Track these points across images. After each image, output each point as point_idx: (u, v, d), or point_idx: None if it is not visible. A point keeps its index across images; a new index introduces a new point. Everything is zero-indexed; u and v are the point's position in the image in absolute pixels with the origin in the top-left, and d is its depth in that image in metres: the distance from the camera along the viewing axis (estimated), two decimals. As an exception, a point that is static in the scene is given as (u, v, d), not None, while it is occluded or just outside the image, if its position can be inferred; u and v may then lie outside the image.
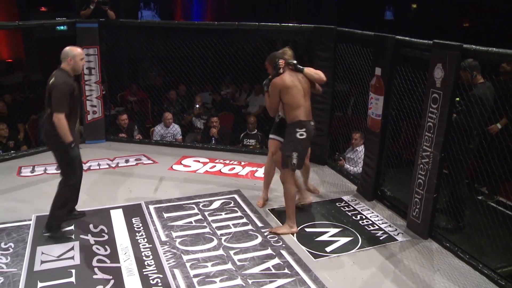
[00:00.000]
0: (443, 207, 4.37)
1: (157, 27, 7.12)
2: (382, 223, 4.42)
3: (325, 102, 5.60)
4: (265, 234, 4.13)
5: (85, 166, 5.64)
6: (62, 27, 10.73)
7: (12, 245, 3.91)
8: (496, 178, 4.04)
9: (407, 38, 4.35)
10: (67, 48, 3.93)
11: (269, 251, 3.86)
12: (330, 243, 4.02)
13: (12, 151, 6.10)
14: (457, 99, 4.07)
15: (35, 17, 10.96)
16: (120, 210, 4.55)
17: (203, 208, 4.61)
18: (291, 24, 5.99)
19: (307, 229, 4.25)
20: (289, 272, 3.58)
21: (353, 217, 4.52)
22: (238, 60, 7.00)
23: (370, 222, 4.44)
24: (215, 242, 3.98)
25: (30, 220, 4.31)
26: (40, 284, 3.41)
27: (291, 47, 4.47)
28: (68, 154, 3.87)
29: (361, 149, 5.56)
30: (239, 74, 7.25)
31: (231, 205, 4.70)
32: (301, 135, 4.03)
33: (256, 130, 6.78)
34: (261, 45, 7.02)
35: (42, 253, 3.80)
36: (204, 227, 4.25)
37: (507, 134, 4.30)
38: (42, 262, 3.69)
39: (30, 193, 4.93)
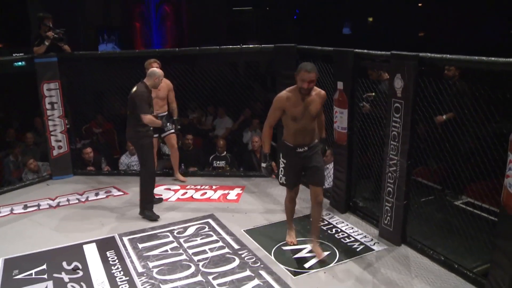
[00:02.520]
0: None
1: (119, 58, 7.08)
2: (357, 235, 4.46)
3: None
4: (244, 256, 4.10)
5: (54, 203, 5.54)
6: (20, 63, 10.53)
7: (-18, 291, 3.77)
8: (462, 178, 4.16)
9: (365, 51, 4.47)
10: (155, 69, 4.99)
11: (247, 272, 3.84)
12: (308, 259, 4.03)
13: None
14: (372, 94, 4.84)
15: (-8, 54, 10.76)
16: (94, 245, 4.44)
17: (177, 235, 4.56)
18: (251, 46, 6.06)
19: (284, 247, 4.25)
20: (270, 292, 3.56)
21: (329, 231, 4.55)
22: (202, 85, 7.02)
23: (346, 234, 4.47)
24: (193, 269, 3.93)
25: (-1, 263, 4.16)
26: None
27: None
28: (147, 144, 4.92)
29: (331, 166, 5.61)
30: (204, 99, 7.27)
31: (206, 229, 4.66)
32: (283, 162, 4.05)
33: (225, 152, 6.79)
34: (224, 69, 7.08)
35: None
36: (181, 254, 4.19)
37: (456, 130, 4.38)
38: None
39: (-3, 236, 4.77)
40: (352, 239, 4.37)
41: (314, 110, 3.81)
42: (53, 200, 5.64)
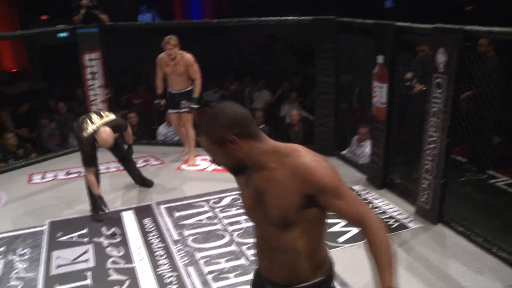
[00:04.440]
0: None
1: (158, 28, 7.13)
2: (393, 211, 4.42)
3: (329, 93, 5.60)
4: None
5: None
6: (63, 34, 10.77)
7: (28, 250, 3.96)
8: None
9: (407, 24, 4.34)
10: None
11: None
12: (341, 233, 4.03)
13: (22, 159, 6.16)
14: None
15: (36, 25, 11.00)
16: (131, 212, 4.58)
17: (213, 205, 4.64)
18: (290, 18, 5.98)
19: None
20: (303, 264, 3.59)
21: (364, 207, 4.52)
22: (240, 57, 7.01)
23: (381, 210, 4.44)
24: (227, 238, 4.00)
25: (44, 225, 4.36)
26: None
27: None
28: None
29: (365, 144, 5.55)
30: (242, 71, 7.26)
31: (241, 201, 4.71)
32: None
33: (263, 125, 6.79)
34: (262, 41, 7.03)
35: (58, 257, 3.85)
36: (216, 224, 4.27)
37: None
38: (58, 266, 3.74)
39: (42, 200, 4.97)
40: (388, 215, 4.34)
41: None
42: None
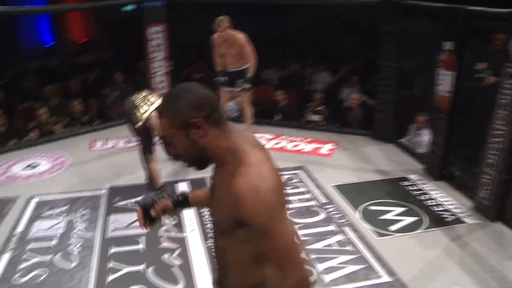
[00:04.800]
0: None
1: (222, 4, 7.16)
2: (449, 204, 4.29)
3: (391, 78, 5.46)
4: (330, 211, 4.13)
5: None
6: (130, 7, 11.04)
7: (88, 212, 4.17)
8: None
9: (480, 8, 4.10)
10: None
11: (332, 227, 3.87)
12: (394, 222, 3.97)
13: (86, 126, 6.43)
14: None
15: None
16: (186, 183, 4.70)
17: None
18: (357, -1, 5.84)
19: (371, 207, 4.21)
20: (352, 249, 3.58)
21: (419, 197, 4.42)
22: (302, 37, 6.93)
23: (437, 202, 4.32)
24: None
25: (103, 190, 4.55)
26: (112, 250, 3.62)
27: None
28: None
29: (423, 132, 5.39)
30: (304, 51, 7.18)
31: (295, 180, 4.73)
32: None
33: (322, 106, 6.73)
34: (326, 21, 6.90)
35: (114, 221, 4.02)
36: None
37: None
38: (114, 229, 3.91)
39: (102, 165, 5.19)
40: (443, 208, 4.22)
41: None
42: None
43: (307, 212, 4.11)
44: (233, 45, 5.40)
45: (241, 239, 1.48)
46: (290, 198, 4.35)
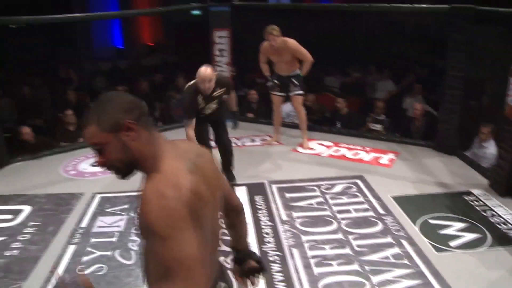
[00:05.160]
0: None
1: (287, 10, 7.20)
2: (516, 222, 4.10)
3: (457, 88, 5.28)
4: (387, 222, 4.06)
5: (214, 144, 5.99)
6: (196, 12, 11.37)
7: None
8: None
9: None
10: (201, 71, 4.37)
11: (389, 239, 3.80)
12: (454, 237, 3.84)
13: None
14: None
15: (174, 3, 11.70)
16: (244, 188, 4.77)
17: (324, 191, 4.66)
18: (425, 5, 5.68)
19: (431, 221, 4.10)
20: (409, 263, 3.49)
21: (483, 213, 4.25)
22: (366, 44, 6.86)
23: (502, 220, 4.14)
24: (334, 226, 4.01)
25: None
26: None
27: None
28: None
29: (488, 144, 5.18)
30: (367, 58, 7.10)
31: (353, 190, 4.68)
32: None
33: (383, 116, 6.62)
34: (390, 29, 6.79)
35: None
36: (325, 209, 4.29)
37: None
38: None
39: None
40: (509, 226, 4.04)
41: None
42: (211, 140, 6.11)
43: (364, 222, 4.06)
44: (285, 52, 5.43)
45: (150, 249, 1.40)
46: (347, 207, 4.32)
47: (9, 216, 4.32)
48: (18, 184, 5.00)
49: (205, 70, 4.33)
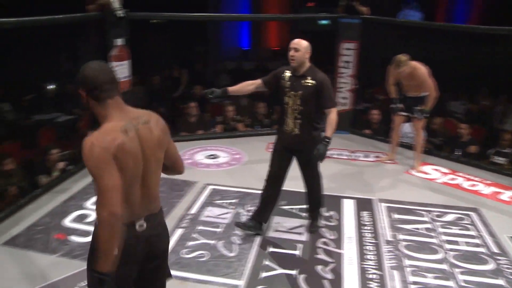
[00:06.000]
0: None
1: (418, 27, 6.98)
2: None
3: None
4: (501, 263, 3.77)
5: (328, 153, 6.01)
6: (324, 22, 11.46)
7: (254, 209, 4.42)
8: None
9: None
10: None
11: (501, 281, 3.52)
12: None
13: (266, 128, 6.83)
14: None
15: (304, 11, 11.89)
16: (352, 201, 4.71)
17: (434, 217, 4.45)
18: None
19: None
20: (521, 311, 3.23)
21: None
22: (498, 70, 6.42)
23: None
24: (440, 255, 3.82)
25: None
26: (270, 249, 3.82)
27: None
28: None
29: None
30: (498, 86, 6.63)
31: (466, 222, 4.42)
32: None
33: (509, 149, 6.14)
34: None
35: (277, 222, 4.22)
36: (432, 237, 4.10)
37: None
38: (275, 230, 4.10)
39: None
40: None
41: None
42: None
43: (474, 258, 3.81)
44: (414, 78, 5.25)
45: None
46: (457, 239, 4.09)
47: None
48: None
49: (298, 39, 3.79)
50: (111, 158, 1.93)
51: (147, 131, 2.09)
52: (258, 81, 3.97)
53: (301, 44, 3.70)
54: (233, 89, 3.96)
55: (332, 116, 3.73)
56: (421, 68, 5.22)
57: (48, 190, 4.80)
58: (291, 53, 3.69)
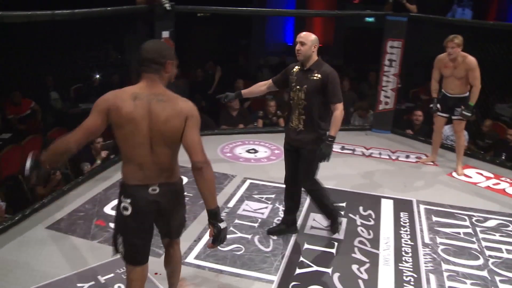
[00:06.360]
0: None
1: (468, 27, 6.78)
2: None
3: None
4: None
5: (367, 152, 5.97)
6: (370, 19, 11.30)
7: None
8: None
9: None
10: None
11: (543, 291, 3.42)
12: None
13: (277, 127, 6.80)
14: None
15: (349, 8, 11.78)
16: (391, 201, 4.65)
17: (475, 222, 4.34)
18: None
19: None
20: None
21: None
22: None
23: None
24: (480, 261, 3.73)
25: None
26: (305, 245, 3.82)
27: None
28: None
29: None
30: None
31: (510, 228, 4.29)
32: (125, 209, 2.48)
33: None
34: None
35: (314, 219, 4.22)
36: (472, 242, 4.01)
37: None
38: (311, 227, 4.10)
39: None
40: None
41: None
42: (367, 149, 6.09)
43: (515, 266, 3.71)
44: (461, 67, 5.02)
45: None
46: (499, 246, 3.97)
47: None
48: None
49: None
50: (103, 109, 2.34)
51: (160, 108, 2.35)
52: (269, 81, 3.96)
53: (308, 38, 3.60)
54: (246, 91, 4.04)
55: (337, 113, 3.57)
56: (472, 57, 4.99)
57: (90, 178, 4.95)
58: (297, 47, 3.60)
